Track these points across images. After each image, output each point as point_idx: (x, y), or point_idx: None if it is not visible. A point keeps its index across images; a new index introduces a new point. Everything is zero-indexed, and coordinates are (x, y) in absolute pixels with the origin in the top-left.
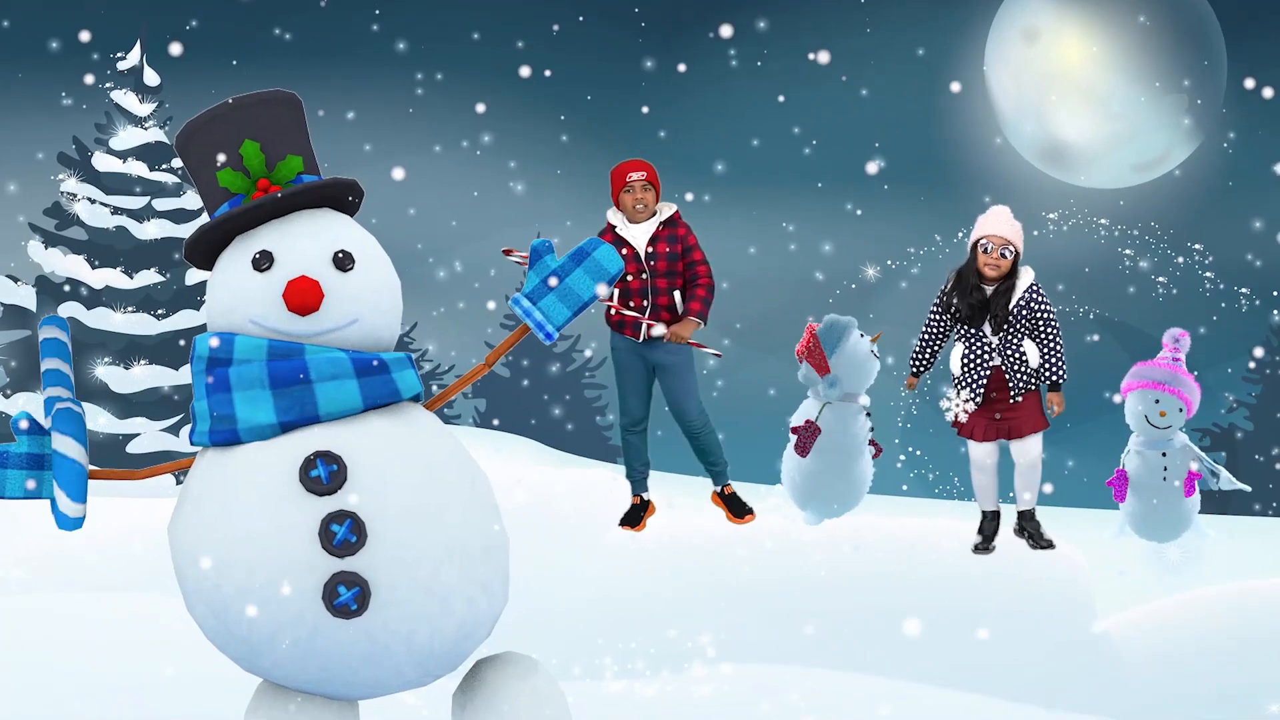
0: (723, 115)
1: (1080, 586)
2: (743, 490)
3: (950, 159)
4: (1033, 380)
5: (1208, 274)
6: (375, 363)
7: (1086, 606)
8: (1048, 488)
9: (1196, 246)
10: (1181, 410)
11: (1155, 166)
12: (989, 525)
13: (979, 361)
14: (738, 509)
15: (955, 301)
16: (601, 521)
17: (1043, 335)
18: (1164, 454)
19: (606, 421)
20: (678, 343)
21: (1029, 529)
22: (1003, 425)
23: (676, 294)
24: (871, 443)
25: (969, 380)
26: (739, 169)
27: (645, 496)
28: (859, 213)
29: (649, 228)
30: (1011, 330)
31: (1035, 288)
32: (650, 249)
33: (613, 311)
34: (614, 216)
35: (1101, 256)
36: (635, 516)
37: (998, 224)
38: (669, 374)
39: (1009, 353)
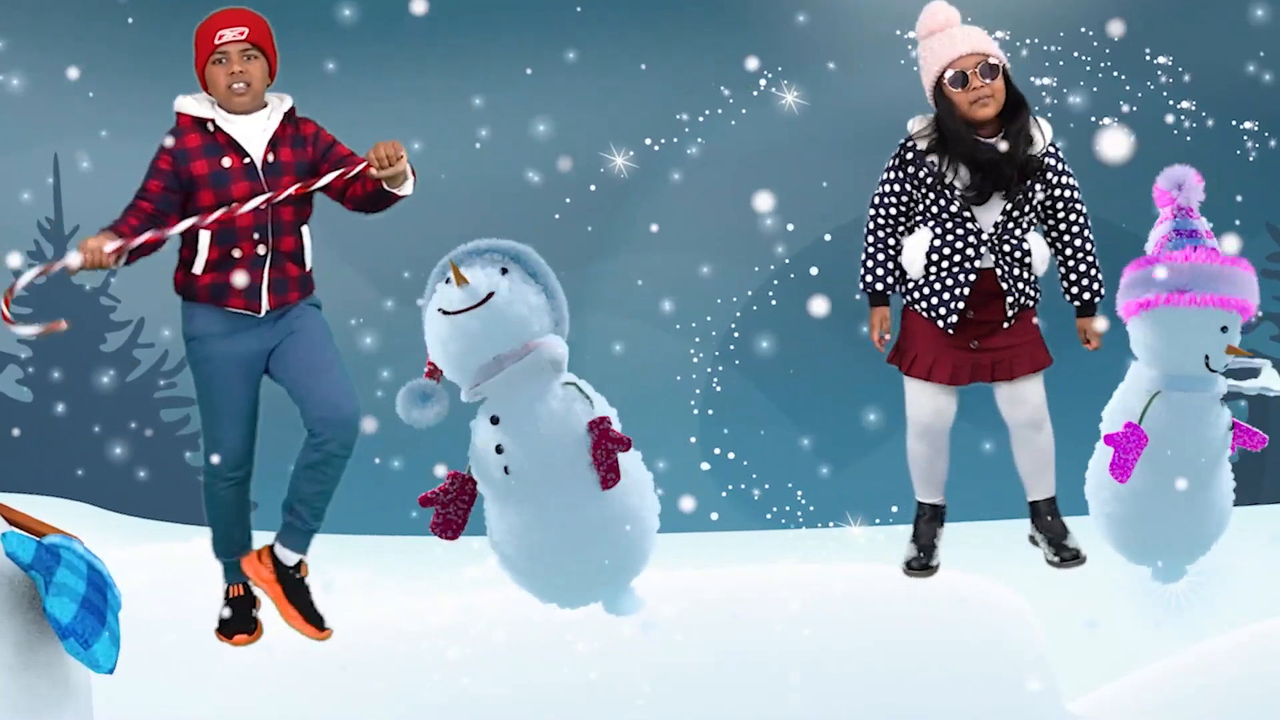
0: None
1: (1030, 650)
2: (451, 554)
3: None
4: (1032, 292)
5: (1185, 104)
6: None
7: (1044, 684)
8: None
9: (1162, 60)
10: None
11: None
12: (929, 528)
13: (961, 259)
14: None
15: (934, 167)
16: (213, 623)
17: (1065, 221)
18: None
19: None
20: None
21: (1046, 531)
22: (983, 360)
23: (306, 231)
24: (602, 440)
25: (941, 287)
26: (379, 10)
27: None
28: (588, 63)
29: (264, 124)
30: (1016, 213)
31: (1054, 147)
32: (271, 157)
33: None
34: (195, 104)
35: None
36: (243, 618)
37: (951, 41)
38: (300, 345)
39: (1008, 248)
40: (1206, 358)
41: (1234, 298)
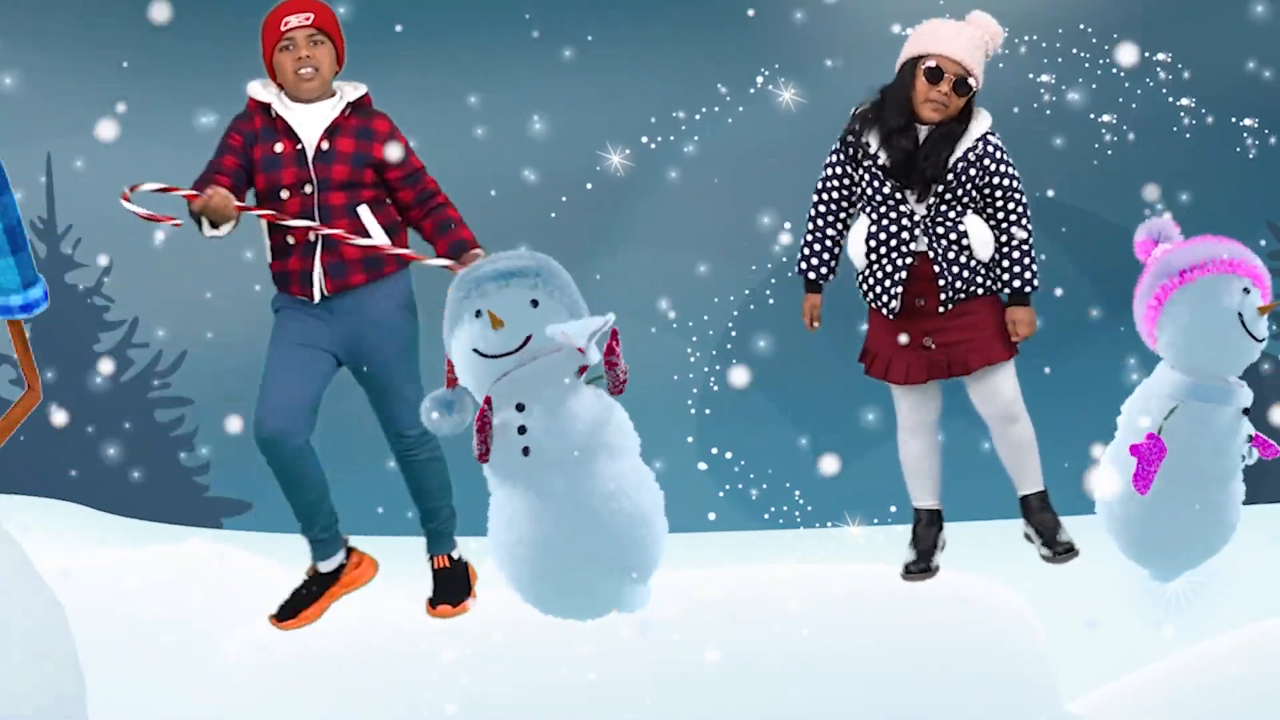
0: None
1: (1030, 650)
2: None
3: None
4: (979, 279)
5: (1184, 101)
6: None
7: (1044, 684)
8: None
9: (1161, 57)
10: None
11: None
12: (927, 532)
13: (896, 244)
14: (449, 589)
15: (868, 148)
16: (215, 626)
17: (1001, 211)
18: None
19: (199, 459)
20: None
21: (1038, 526)
22: (939, 358)
23: (365, 213)
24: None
25: (883, 275)
26: (376, 10)
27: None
28: (585, 61)
29: (326, 111)
30: (949, 197)
31: (990, 136)
32: (327, 145)
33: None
34: (262, 89)
35: (1002, 90)
36: (307, 599)
37: (953, 40)
38: (374, 358)
39: (941, 231)
40: (1241, 317)
41: (1245, 262)
